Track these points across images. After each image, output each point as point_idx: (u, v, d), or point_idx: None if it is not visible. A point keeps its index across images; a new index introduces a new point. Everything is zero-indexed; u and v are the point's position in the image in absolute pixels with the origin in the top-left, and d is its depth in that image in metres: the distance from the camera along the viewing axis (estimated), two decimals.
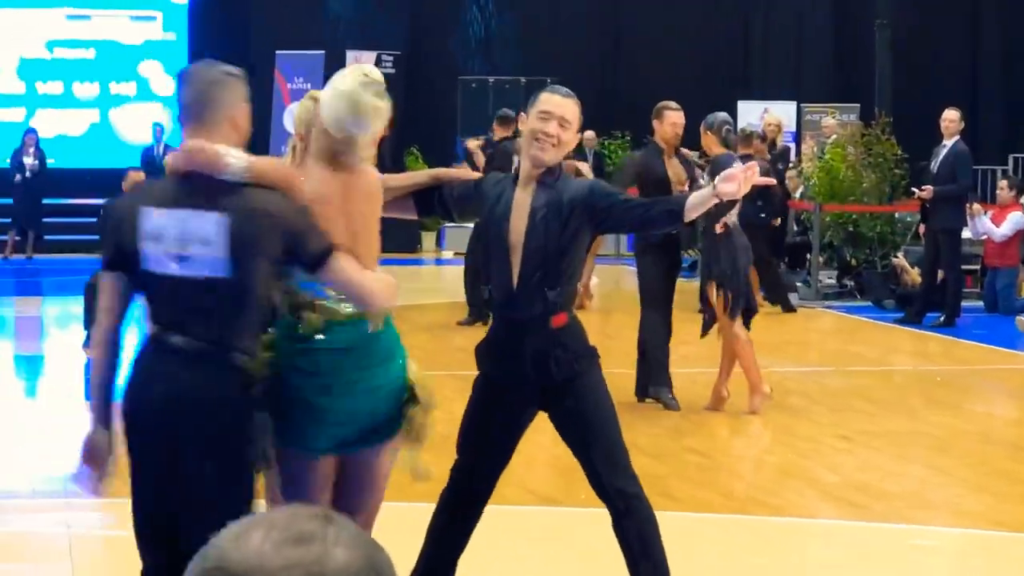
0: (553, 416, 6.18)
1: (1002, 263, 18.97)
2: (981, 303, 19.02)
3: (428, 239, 26.86)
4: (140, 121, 27.68)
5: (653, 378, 11.93)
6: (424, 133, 27.61)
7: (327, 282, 5.18)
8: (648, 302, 11.92)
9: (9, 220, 25.66)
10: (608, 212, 6.06)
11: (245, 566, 1.69)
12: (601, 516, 6.17)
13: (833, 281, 20.29)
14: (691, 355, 13.42)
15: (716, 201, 6.02)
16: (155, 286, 4.97)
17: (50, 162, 26.11)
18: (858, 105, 26.90)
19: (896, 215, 20.64)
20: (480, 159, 16.63)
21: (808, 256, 20.62)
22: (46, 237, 25.43)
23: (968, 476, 9.83)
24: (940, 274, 17.59)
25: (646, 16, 30.00)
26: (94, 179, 25.57)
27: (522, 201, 6.08)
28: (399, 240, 23.33)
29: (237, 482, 4.94)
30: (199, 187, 4.94)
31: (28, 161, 25.68)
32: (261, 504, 5.16)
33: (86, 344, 14.61)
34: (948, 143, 17.44)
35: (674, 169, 11.78)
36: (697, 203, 5.98)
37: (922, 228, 18.20)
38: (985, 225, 18.88)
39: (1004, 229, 18.83)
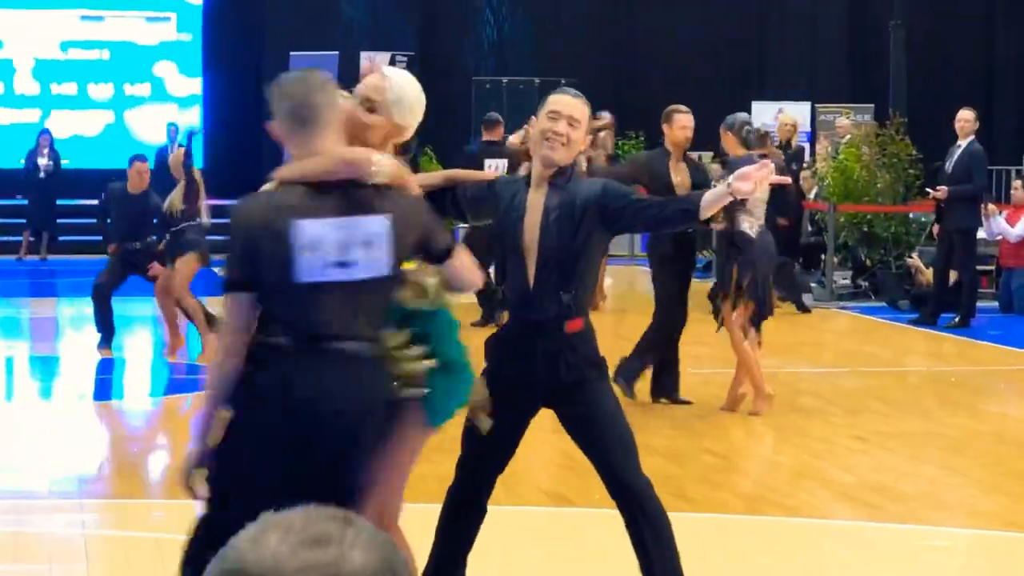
0: (564, 420, 6.19)
1: (1017, 263, 18.93)
2: (996, 304, 18.99)
3: None
4: (155, 122, 27.71)
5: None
6: (438, 134, 27.61)
7: (450, 272, 5.37)
8: (662, 309, 11.92)
9: (23, 221, 25.72)
10: (621, 212, 6.06)
11: (261, 568, 1.70)
12: (614, 516, 6.17)
13: (848, 281, 20.27)
14: (704, 356, 13.42)
15: (731, 199, 6.01)
16: (306, 295, 4.96)
17: (64, 163, 26.16)
18: (872, 105, 26.86)
19: (911, 215, 20.62)
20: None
21: (822, 256, 20.60)
22: (60, 238, 25.46)
23: (983, 477, 9.82)
24: (953, 275, 17.56)
25: (660, 16, 29.98)
26: (109, 180, 25.56)
27: (535, 202, 6.08)
28: None
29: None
30: (353, 193, 5.02)
31: (42, 162, 25.72)
32: None
33: (100, 345, 14.64)
34: (963, 143, 17.41)
35: (680, 175, 11.72)
36: (712, 201, 5.96)
37: (936, 228, 18.18)
38: (1000, 225, 18.84)
39: (1019, 229, 18.79)
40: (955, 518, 8.89)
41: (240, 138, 28.34)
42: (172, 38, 29.11)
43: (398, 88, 5.58)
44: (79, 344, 16.32)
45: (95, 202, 15.93)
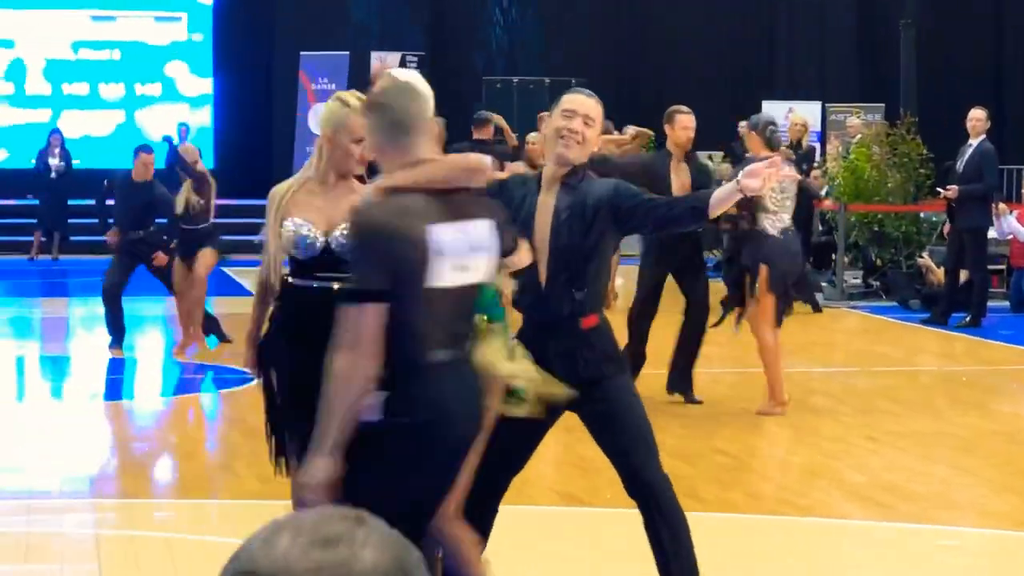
0: (584, 416, 6.16)
1: None
2: (1007, 303, 18.96)
3: None
4: (166, 122, 27.74)
5: (673, 376, 12.01)
6: (449, 134, 27.59)
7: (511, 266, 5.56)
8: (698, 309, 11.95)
9: (35, 221, 25.74)
10: (633, 212, 6.06)
11: (272, 568, 1.70)
12: (626, 516, 6.16)
13: (858, 281, 20.25)
14: (714, 356, 13.40)
15: (740, 196, 6.00)
16: (440, 300, 4.93)
17: (76, 163, 26.18)
18: (883, 105, 26.83)
19: (921, 215, 20.60)
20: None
21: (833, 256, 20.58)
22: (71, 238, 25.48)
23: (994, 476, 9.81)
24: (964, 274, 17.54)
25: (670, 16, 29.98)
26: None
27: (546, 202, 6.08)
28: None
29: None
30: (461, 198, 5.02)
31: (54, 162, 25.75)
32: None
33: (112, 346, 14.65)
34: (974, 142, 17.38)
35: (680, 177, 11.69)
36: (721, 199, 5.96)
37: (947, 228, 18.15)
38: (1011, 225, 18.81)
39: None
40: (966, 518, 8.88)
41: (251, 138, 28.38)
42: (183, 38, 29.15)
43: None
44: (90, 344, 16.34)
45: (107, 202, 15.95)
